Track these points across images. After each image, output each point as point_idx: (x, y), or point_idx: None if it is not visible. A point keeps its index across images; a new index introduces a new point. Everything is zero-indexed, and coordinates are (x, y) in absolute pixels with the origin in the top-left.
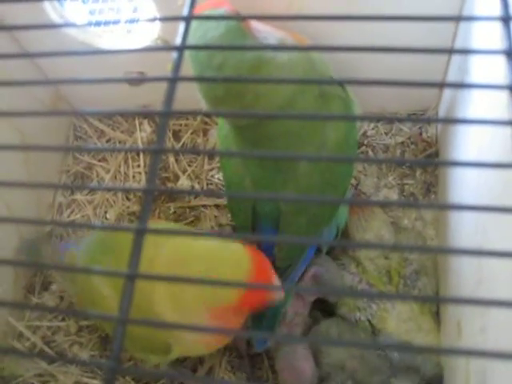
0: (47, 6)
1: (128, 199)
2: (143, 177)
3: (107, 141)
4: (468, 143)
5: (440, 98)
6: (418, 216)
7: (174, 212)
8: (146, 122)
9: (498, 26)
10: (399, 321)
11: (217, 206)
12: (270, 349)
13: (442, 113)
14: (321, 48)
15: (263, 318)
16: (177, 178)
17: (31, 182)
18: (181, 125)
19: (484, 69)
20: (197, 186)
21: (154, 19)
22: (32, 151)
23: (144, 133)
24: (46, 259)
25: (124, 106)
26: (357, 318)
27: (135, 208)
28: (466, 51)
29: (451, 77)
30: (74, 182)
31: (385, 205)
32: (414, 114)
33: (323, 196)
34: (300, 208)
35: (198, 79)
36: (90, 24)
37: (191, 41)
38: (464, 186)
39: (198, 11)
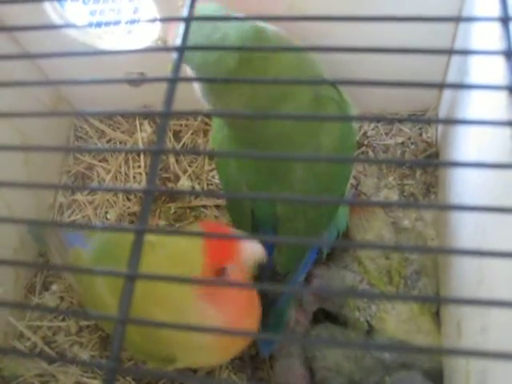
0: (48, 6)
1: (128, 200)
2: (144, 177)
3: (108, 141)
4: (468, 144)
5: (440, 99)
6: (419, 216)
7: (175, 212)
8: (146, 122)
9: (497, 27)
10: (398, 321)
11: (217, 207)
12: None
13: (441, 113)
14: (321, 48)
15: (267, 325)
16: (177, 178)
17: (32, 183)
18: (181, 125)
19: (483, 69)
20: (197, 187)
21: (154, 20)
22: (33, 152)
23: (144, 133)
24: (52, 249)
25: (124, 106)
26: (355, 318)
27: (136, 208)
28: (465, 52)
29: (451, 77)
30: (75, 182)
31: (385, 205)
32: (414, 114)
33: (321, 197)
34: (297, 212)
35: (198, 79)
36: (90, 25)
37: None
38: (464, 186)
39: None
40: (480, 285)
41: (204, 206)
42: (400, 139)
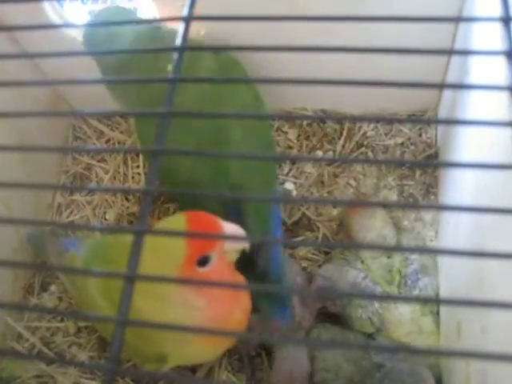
0: (47, 6)
1: (127, 200)
2: (142, 177)
3: (106, 141)
4: (468, 144)
5: (440, 99)
6: (418, 217)
7: (174, 212)
8: None
9: (498, 27)
10: (400, 321)
11: None
12: (271, 349)
13: (441, 114)
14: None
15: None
16: None
17: (30, 183)
18: None
19: (484, 70)
20: None
21: (154, 20)
22: (31, 152)
23: None
24: (51, 254)
25: None
26: (358, 315)
27: (134, 209)
28: (465, 52)
29: (451, 78)
30: (73, 182)
31: (384, 206)
32: (413, 114)
33: (266, 152)
34: (249, 170)
35: (197, 80)
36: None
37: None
38: (463, 187)
39: None
40: (480, 285)
41: None
42: (399, 140)
